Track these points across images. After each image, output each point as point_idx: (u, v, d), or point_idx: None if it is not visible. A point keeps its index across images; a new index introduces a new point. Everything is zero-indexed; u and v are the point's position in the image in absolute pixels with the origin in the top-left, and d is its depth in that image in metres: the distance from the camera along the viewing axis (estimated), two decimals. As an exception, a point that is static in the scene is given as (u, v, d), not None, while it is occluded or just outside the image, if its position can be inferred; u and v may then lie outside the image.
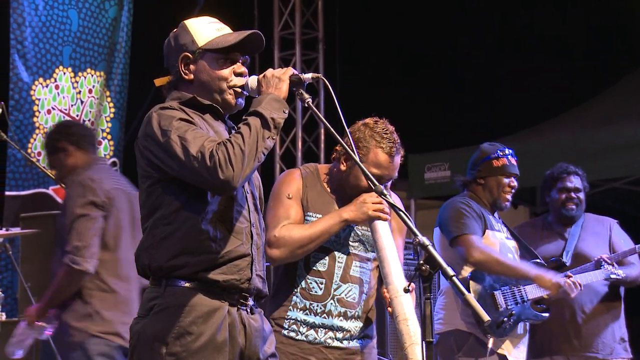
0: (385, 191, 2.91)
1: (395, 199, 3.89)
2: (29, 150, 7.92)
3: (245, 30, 3.12)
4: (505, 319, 4.74)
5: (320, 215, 3.77)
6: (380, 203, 3.69)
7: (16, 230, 6.49)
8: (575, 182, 5.47)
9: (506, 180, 4.92)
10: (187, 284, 2.95)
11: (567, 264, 5.28)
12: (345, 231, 3.79)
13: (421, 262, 2.82)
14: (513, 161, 4.96)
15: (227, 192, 2.93)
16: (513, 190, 4.95)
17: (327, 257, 3.77)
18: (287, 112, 3.02)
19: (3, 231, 5.81)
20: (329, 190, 3.86)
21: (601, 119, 8.14)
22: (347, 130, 3.76)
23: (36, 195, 7.95)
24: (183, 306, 2.93)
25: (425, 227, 5.51)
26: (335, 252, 3.79)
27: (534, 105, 10.60)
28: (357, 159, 3.02)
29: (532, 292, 4.83)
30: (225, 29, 3.13)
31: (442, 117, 11.08)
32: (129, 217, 4.83)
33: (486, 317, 2.78)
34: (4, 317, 5.87)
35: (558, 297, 4.98)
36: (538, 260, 4.96)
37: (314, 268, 3.77)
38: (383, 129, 3.78)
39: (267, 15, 9.56)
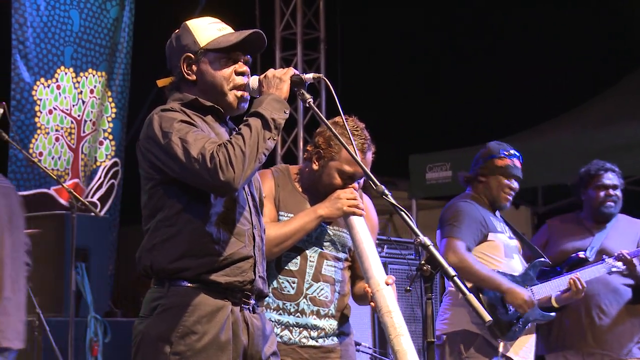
0: (386, 191, 2.91)
1: (366, 199, 3.90)
2: (31, 151, 7.92)
3: (247, 30, 3.12)
4: (515, 321, 4.75)
5: (292, 215, 3.78)
6: (354, 199, 3.70)
7: (18, 230, 6.48)
8: (612, 179, 5.43)
9: (507, 182, 4.92)
10: (190, 285, 2.96)
11: (590, 260, 5.27)
12: (317, 231, 3.80)
13: (422, 262, 2.82)
14: (517, 163, 4.95)
15: (228, 193, 2.94)
16: (513, 192, 4.94)
17: (298, 257, 3.78)
18: (288, 112, 3.02)
19: (5, 231, 5.80)
20: (300, 190, 3.87)
21: (602, 119, 8.14)
22: (321, 128, 3.78)
23: (38, 195, 7.95)
24: (187, 306, 2.94)
25: (426, 227, 5.52)
26: (307, 251, 3.79)
27: (535, 105, 10.60)
28: (358, 159, 3.01)
29: (540, 292, 4.83)
30: (227, 29, 3.14)
31: (443, 117, 11.08)
32: (6, 213, 4.76)
33: (487, 317, 2.78)
34: (5, 317, 5.86)
35: (567, 302, 5.00)
36: (543, 260, 4.95)
37: (286, 267, 3.78)
38: (353, 127, 3.77)
39: (269, 16, 9.57)
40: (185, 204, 2.97)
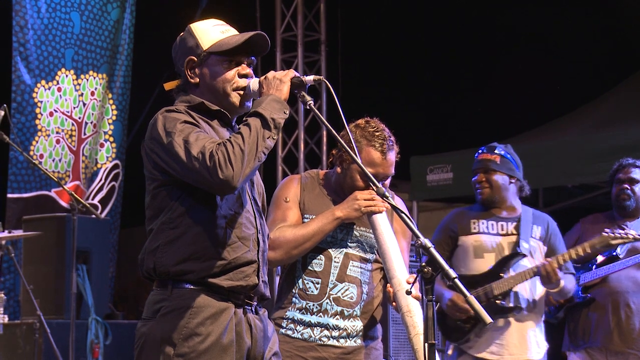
0: (387, 193, 2.91)
1: (398, 201, 3.90)
2: (31, 153, 7.92)
3: (249, 32, 3.12)
4: (460, 323, 4.83)
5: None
6: (372, 199, 3.71)
7: (18, 232, 6.49)
8: (630, 173, 5.44)
9: (474, 178, 4.99)
10: (193, 287, 2.96)
11: (621, 257, 5.27)
12: (342, 232, 3.82)
13: (423, 264, 2.82)
14: (480, 157, 5.02)
15: (227, 191, 2.93)
16: (479, 185, 4.97)
17: (323, 257, 3.81)
18: (287, 112, 3.02)
19: (5, 234, 5.81)
20: (326, 193, 3.89)
21: (603, 121, 8.14)
22: (343, 132, 3.79)
23: (38, 197, 7.96)
24: (190, 308, 2.94)
25: (427, 229, 5.53)
26: (332, 252, 3.81)
27: (536, 107, 10.60)
28: (358, 160, 3.02)
29: (499, 287, 4.82)
30: (231, 31, 3.14)
31: (444, 119, 11.08)
32: None
33: (488, 319, 2.78)
34: (6, 320, 5.88)
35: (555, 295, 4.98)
36: (512, 254, 4.92)
37: (310, 268, 3.81)
38: (374, 128, 3.82)
39: (269, 18, 9.57)
40: (189, 206, 2.97)
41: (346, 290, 3.80)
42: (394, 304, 3.60)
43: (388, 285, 3.65)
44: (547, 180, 7.97)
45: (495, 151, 5.00)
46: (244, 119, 2.98)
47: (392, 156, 3.84)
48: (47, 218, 6.99)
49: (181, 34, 3.18)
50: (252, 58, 3.15)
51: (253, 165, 2.90)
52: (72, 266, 6.03)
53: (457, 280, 2.74)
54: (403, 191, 9.11)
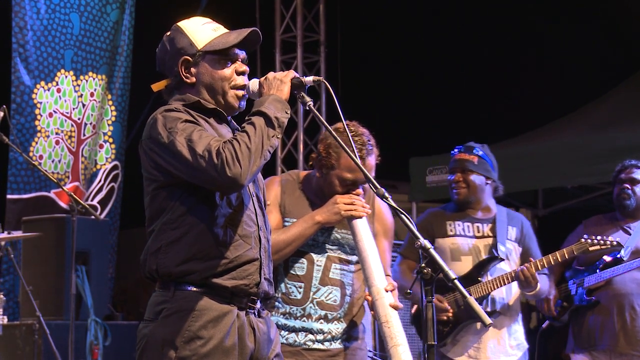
0: (386, 194, 2.91)
1: (379, 201, 3.90)
2: (31, 154, 7.92)
3: (243, 29, 3.12)
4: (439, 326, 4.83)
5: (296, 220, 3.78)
6: (352, 203, 3.70)
7: (18, 233, 6.49)
8: (632, 173, 5.47)
9: (450, 177, 5.03)
10: (196, 289, 2.96)
11: (625, 259, 5.27)
12: (324, 235, 3.81)
13: (423, 265, 2.82)
14: (457, 157, 5.04)
15: (234, 189, 2.93)
16: (454, 185, 4.98)
17: (305, 261, 3.80)
18: (289, 112, 3.03)
19: (5, 234, 5.81)
20: (306, 196, 3.87)
21: (603, 122, 8.13)
22: (324, 134, 3.78)
23: (38, 198, 7.96)
24: (192, 310, 2.93)
25: (427, 230, 5.51)
26: (314, 256, 3.81)
27: (536, 108, 10.60)
28: (358, 162, 3.01)
29: (477, 291, 4.82)
30: (221, 29, 3.13)
31: (444, 120, 11.08)
32: None
33: (488, 320, 2.78)
34: (5, 321, 5.87)
35: (532, 297, 4.98)
36: (488, 257, 4.92)
37: (293, 272, 3.80)
38: (352, 132, 3.77)
39: (269, 19, 9.57)
40: (190, 206, 2.96)
41: (329, 293, 3.80)
42: (372, 312, 3.59)
43: (367, 293, 3.64)
44: (547, 181, 7.97)
45: (473, 151, 5.01)
46: (247, 118, 2.97)
47: (372, 160, 3.79)
48: (47, 219, 6.99)
49: (167, 33, 3.15)
50: (245, 53, 3.14)
51: (259, 164, 2.90)
52: (72, 267, 6.02)
53: (456, 282, 2.74)
54: (402, 192, 9.11)
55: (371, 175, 3.75)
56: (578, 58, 10.61)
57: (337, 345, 3.81)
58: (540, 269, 4.79)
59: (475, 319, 4.76)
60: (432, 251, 2.79)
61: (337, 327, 3.80)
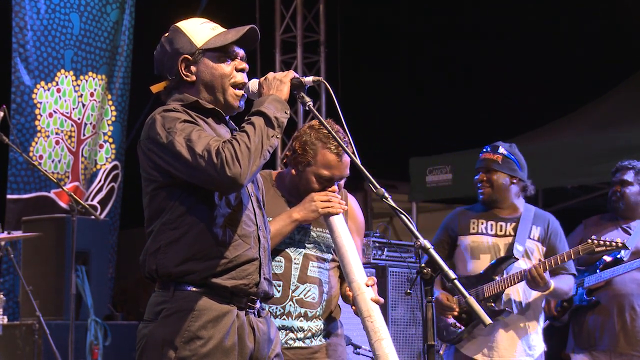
0: (386, 194, 2.91)
1: (351, 199, 3.91)
2: (31, 154, 7.92)
3: (242, 26, 3.12)
4: (449, 324, 4.86)
5: (271, 219, 3.77)
6: (329, 200, 3.70)
7: (18, 233, 6.49)
8: (621, 175, 5.51)
9: (476, 177, 5.01)
10: (195, 289, 2.96)
11: (624, 260, 5.28)
12: (299, 233, 3.81)
13: (422, 265, 2.82)
14: (483, 156, 5.03)
15: (234, 189, 2.93)
16: (480, 184, 4.97)
17: (282, 260, 3.79)
18: (288, 112, 3.02)
19: (5, 234, 5.81)
20: (280, 194, 3.87)
21: (603, 122, 8.14)
22: (299, 132, 3.77)
23: (38, 198, 7.96)
24: (192, 310, 2.93)
25: (427, 230, 5.52)
26: (291, 254, 3.80)
27: (536, 108, 10.60)
28: (358, 160, 3.01)
29: (490, 289, 4.83)
30: (219, 28, 3.14)
31: (444, 120, 11.08)
32: None
33: (487, 320, 2.77)
34: (5, 321, 5.88)
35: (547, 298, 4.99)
36: (504, 256, 4.92)
37: (271, 271, 3.79)
38: (325, 132, 3.75)
39: (269, 19, 9.57)
40: (189, 206, 2.96)
41: (308, 291, 3.80)
42: (353, 307, 3.59)
43: (347, 288, 3.65)
44: (547, 181, 7.96)
45: (498, 150, 5.00)
46: (247, 117, 2.97)
47: (347, 158, 3.77)
48: (47, 219, 6.99)
49: (165, 34, 3.16)
50: (243, 51, 3.15)
51: (259, 163, 2.89)
52: (72, 267, 6.03)
53: (456, 282, 2.74)
54: (402, 192, 9.11)
55: (347, 172, 3.77)
56: (578, 58, 10.61)
57: (317, 342, 3.82)
58: (547, 268, 4.79)
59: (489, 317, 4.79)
60: (432, 251, 2.78)
61: (317, 325, 3.81)
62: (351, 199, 3.93)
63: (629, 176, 5.48)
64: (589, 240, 4.85)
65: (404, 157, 8.70)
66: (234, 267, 2.98)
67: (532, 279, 4.75)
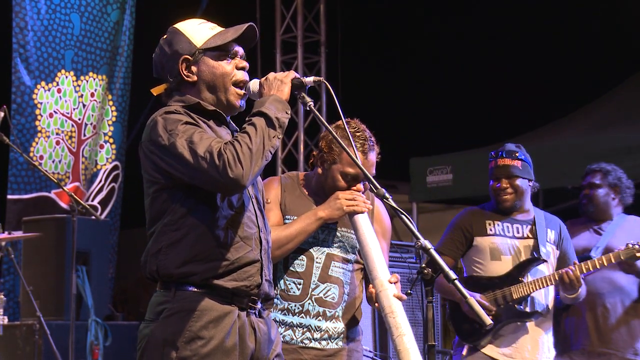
0: (386, 194, 2.92)
1: (378, 202, 3.93)
2: (31, 154, 7.92)
3: (240, 25, 3.13)
4: (474, 324, 4.82)
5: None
6: (354, 198, 3.72)
7: (18, 233, 6.50)
8: (591, 179, 5.54)
9: (491, 183, 4.96)
10: (196, 290, 2.96)
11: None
12: (324, 232, 3.83)
13: (423, 265, 2.82)
14: (501, 162, 4.95)
15: (236, 190, 2.93)
16: (502, 192, 4.94)
17: (305, 258, 3.81)
18: (289, 113, 3.02)
19: (5, 235, 5.81)
20: (307, 194, 3.89)
21: (603, 123, 8.14)
22: (325, 132, 3.79)
23: (38, 198, 7.96)
24: (193, 311, 2.93)
25: (427, 230, 5.54)
26: (313, 253, 3.82)
27: (536, 108, 10.60)
28: (359, 162, 3.02)
29: (517, 291, 4.83)
30: (218, 28, 3.15)
31: (444, 121, 11.09)
32: None
33: (488, 321, 2.78)
34: (6, 321, 5.88)
35: (570, 300, 4.98)
36: (530, 258, 4.92)
37: (292, 269, 3.81)
38: (354, 129, 3.80)
39: (269, 19, 9.57)
40: (191, 208, 2.96)
41: (328, 290, 3.81)
42: (376, 305, 3.60)
43: (370, 285, 3.66)
44: (548, 182, 7.95)
45: (517, 156, 4.97)
46: (248, 118, 2.97)
47: (373, 157, 3.82)
48: (47, 219, 7.00)
49: (164, 36, 3.16)
50: (242, 50, 3.15)
51: (261, 164, 2.89)
52: (72, 267, 6.03)
53: (457, 282, 2.74)
54: (403, 192, 9.11)
55: (372, 171, 3.78)
56: (578, 58, 10.61)
57: (333, 345, 3.81)
58: (584, 271, 4.81)
59: (514, 319, 4.80)
60: (433, 251, 2.79)
61: (335, 326, 3.81)
62: (378, 202, 3.93)
63: (597, 179, 5.51)
64: (629, 245, 4.87)
65: (404, 157, 8.70)
66: (235, 269, 2.98)
67: (569, 282, 4.76)
